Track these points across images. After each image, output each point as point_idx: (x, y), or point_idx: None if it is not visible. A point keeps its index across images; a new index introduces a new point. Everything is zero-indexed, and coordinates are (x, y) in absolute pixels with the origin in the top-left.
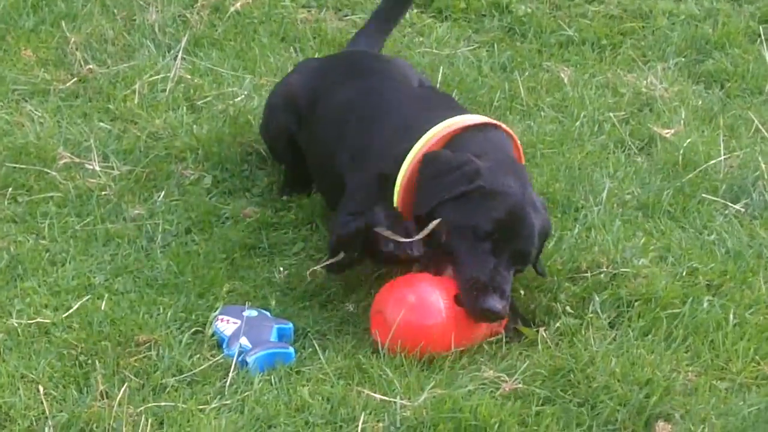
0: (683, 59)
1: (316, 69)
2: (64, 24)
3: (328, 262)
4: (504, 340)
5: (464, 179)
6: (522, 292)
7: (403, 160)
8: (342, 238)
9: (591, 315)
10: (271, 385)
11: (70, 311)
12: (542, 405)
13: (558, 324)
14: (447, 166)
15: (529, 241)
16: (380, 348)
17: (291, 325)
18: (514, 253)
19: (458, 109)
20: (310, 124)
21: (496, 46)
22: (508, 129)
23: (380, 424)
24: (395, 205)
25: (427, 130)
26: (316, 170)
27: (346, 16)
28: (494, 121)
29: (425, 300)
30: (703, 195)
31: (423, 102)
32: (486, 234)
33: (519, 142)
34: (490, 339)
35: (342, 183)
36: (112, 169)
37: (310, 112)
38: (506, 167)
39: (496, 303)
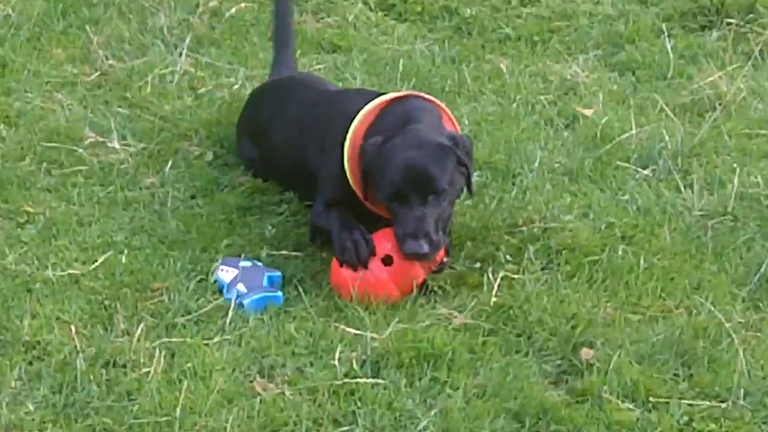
0: (600, 52)
1: (255, 100)
2: (88, 27)
3: (310, 238)
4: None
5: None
6: (469, 243)
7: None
8: (314, 226)
9: (526, 262)
10: (264, 322)
11: (96, 264)
12: (487, 336)
13: (500, 269)
14: (360, 155)
15: (425, 180)
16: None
17: (279, 273)
18: (419, 192)
19: (376, 94)
20: (270, 150)
21: (446, 42)
22: (427, 96)
23: (353, 354)
24: (350, 179)
25: (359, 113)
26: (287, 179)
27: (322, 18)
28: (415, 93)
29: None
30: (618, 162)
31: (354, 94)
32: (390, 197)
33: (443, 106)
34: (441, 283)
35: (315, 179)
36: (130, 146)
37: (266, 141)
38: (400, 129)
39: (415, 246)
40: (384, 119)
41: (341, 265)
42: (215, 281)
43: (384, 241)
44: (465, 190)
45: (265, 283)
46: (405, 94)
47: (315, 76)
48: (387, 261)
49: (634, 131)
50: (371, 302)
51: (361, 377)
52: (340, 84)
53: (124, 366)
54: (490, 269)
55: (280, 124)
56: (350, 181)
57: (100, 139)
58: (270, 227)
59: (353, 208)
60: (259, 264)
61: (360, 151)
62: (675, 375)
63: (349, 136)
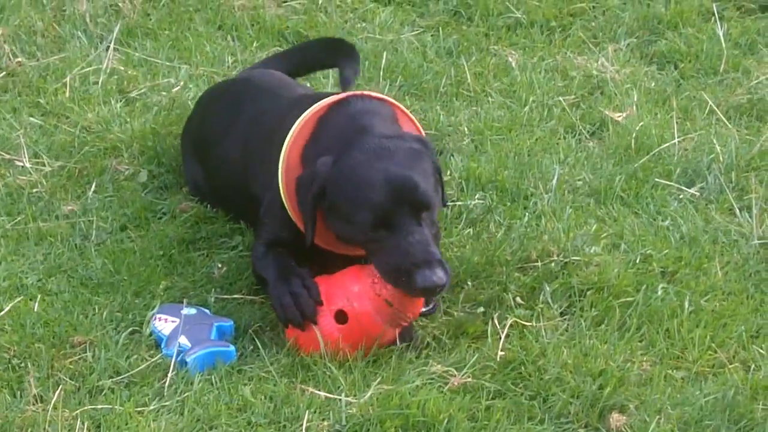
0: (635, 40)
1: (202, 107)
2: None
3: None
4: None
5: (311, 195)
6: (469, 283)
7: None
8: (255, 273)
9: (542, 305)
10: (212, 384)
11: (2, 313)
12: (492, 399)
13: (508, 315)
14: (302, 187)
15: (415, 194)
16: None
17: (231, 322)
18: (410, 211)
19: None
20: (214, 171)
21: (441, 30)
22: (374, 94)
23: (325, 423)
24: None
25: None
26: (235, 209)
27: (285, 2)
28: (358, 93)
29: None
30: (657, 179)
31: (304, 100)
32: (372, 225)
33: (396, 104)
34: (435, 332)
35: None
36: (44, 165)
37: (211, 159)
38: (352, 143)
39: (432, 278)
40: (324, 132)
41: (286, 326)
42: (151, 334)
43: (336, 291)
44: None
45: (213, 335)
46: (345, 96)
47: (280, 77)
48: (340, 318)
49: (676, 140)
50: (346, 357)
51: None
52: (309, 86)
53: None
54: (496, 315)
55: (227, 138)
56: (290, 214)
57: (7, 157)
58: (219, 265)
59: (301, 247)
60: (206, 311)
61: (301, 180)
62: None
63: (281, 157)
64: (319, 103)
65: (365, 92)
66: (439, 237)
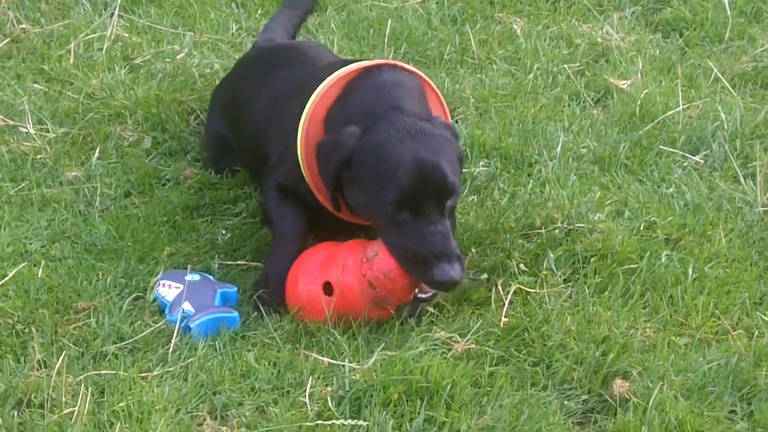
0: (640, 8)
1: (242, 68)
2: None
3: (261, 220)
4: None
5: (335, 163)
6: (473, 250)
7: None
8: (263, 215)
9: (545, 272)
10: (216, 350)
11: (5, 279)
12: (496, 365)
13: (512, 282)
14: (325, 152)
15: (443, 184)
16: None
17: (235, 288)
18: (436, 200)
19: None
20: (244, 126)
21: None
22: (406, 66)
23: (328, 389)
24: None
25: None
26: (254, 171)
27: None
28: (390, 62)
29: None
30: (661, 147)
31: (327, 68)
32: (396, 205)
33: (425, 77)
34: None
35: None
36: (48, 131)
37: (242, 122)
38: (383, 117)
39: (451, 273)
40: (352, 98)
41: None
42: (155, 300)
43: (333, 263)
44: None
45: (216, 301)
46: (377, 64)
47: (319, 47)
48: (327, 289)
49: (681, 107)
50: (350, 323)
51: (337, 418)
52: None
53: (41, 406)
54: (499, 282)
55: (257, 101)
56: (306, 177)
57: (11, 123)
58: (223, 231)
59: (306, 206)
60: (210, 277)
61: (324, 146)
62: (731, 412)
63: (303, 119)
64: (348, 66)
65: (397, 62)
66: (455, 228)
